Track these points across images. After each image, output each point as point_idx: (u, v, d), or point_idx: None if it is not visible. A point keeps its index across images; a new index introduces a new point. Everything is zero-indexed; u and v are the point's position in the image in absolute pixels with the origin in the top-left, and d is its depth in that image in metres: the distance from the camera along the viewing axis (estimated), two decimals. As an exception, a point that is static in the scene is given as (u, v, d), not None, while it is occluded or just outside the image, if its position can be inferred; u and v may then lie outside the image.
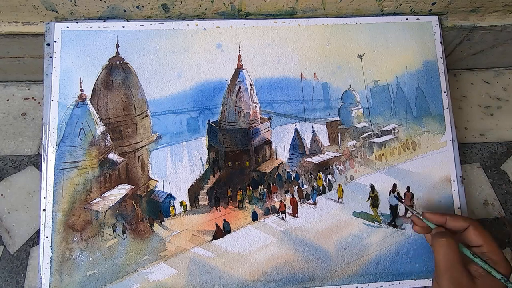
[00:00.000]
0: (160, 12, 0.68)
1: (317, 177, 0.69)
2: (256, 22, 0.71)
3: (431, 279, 0.66)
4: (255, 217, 0.67)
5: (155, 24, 0.69)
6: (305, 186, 0.69)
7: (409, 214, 0.68)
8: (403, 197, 0.69)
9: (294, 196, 0.68)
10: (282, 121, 0.70)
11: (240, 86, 0.69)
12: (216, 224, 0.66)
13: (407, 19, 0.73)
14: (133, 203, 0.65)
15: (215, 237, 0.66)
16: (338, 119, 0.71)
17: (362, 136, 0.71)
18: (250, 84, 0.70)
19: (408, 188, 0.69)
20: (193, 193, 0.67)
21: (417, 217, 0.60)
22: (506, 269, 0.53)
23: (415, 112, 0.72)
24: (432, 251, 0.56)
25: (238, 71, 0.70)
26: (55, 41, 0.67)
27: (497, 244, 0.55)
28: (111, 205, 0.64)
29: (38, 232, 0.74)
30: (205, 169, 0.68)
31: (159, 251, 0.64)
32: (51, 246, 0.62)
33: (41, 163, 0.67)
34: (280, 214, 0.68)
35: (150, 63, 0.68)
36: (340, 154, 0.70)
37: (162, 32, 0.69)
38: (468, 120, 0.88)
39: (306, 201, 0.68)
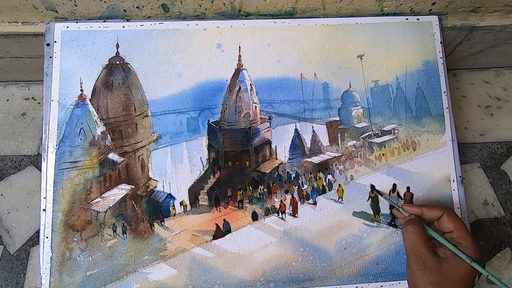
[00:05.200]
0: (160, 12, 0.68)
1: (317, 177, 0.69)
2: (256, 22, 0.71)
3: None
4: (255, 217, 0.67)
5: (155, 24, 0.69)
6: (305, 186, 0.69)
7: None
8: (403, 197, 0.69)
9: (294, 196, 0.68)
10: (282, 121, 0.70)
11: (240, 86, 0.69)
12: (216, 224, 0.66)
13: (407, 19, 0.73)
14: (133, 203, 0.65)
15: (215, 237, 0.66)
16: (338, 119, 0.71)
17: (362, 136, 0.71)
18: (250, 84, 0.70)
19: (408, 188, 0.69)
20: (193, 193, 0.67)
21: (396, 209, 0.64)
22: (475, 252, 0.56)
23: (415, 112, 0.72)
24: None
25: (238, 71, 0.70)
26: (55, 41, 0.67)
27: (467, 230, 0.58)
28: (111, 205, 0.64)
29: (38, 232, 0.74)
30: (205, 169, 0.68)
31: (159, 251, 0.64)
32: (51, 246, 0.62)
33: (41, 163, 0.67)
34: (280, 214, 0.68)
35: (150, 63, 0.68)
36: (340, 154, 0.70)
37: (162, 32, 0.69)
38: (468, 120, 0.88)
39: (306, 201, 0.68)
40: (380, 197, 0.68)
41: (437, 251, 0.57)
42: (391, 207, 0.68)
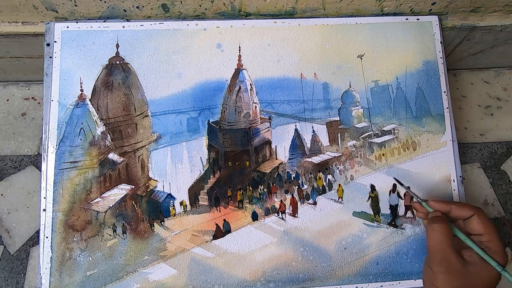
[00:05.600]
0: (160, 12, 0.68)
1: (317, 177, 0.69)
2: (256, 22, 0.71)
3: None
4: (255, 217, 0.67)
5: (155, 24, 0.69)
6: (305, 186, 0.69)
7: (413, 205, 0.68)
8: (403, 197, 0.69)
9: (294, 196, 0.68)
10: (282, 121, 0.70)
11: (240, 86, 0.69)
12: (216, 224, 0.66)
13: (407, 19, 0.73)
14: (133, 203, 0.65)
15: (215, 237, 0.66)
16: (338, 119, 0.71)
17: (362, 136, 0.71)
18: (250, 84, 0.70)
19: (408, 188, 0.69)
20: (193, 193, 0.67)
21: (419, 203, 0.60)
22: (503, 259, 0.53)
23: (415, 112, 0.72)
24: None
25: (238, 71, 0.70)
26: (55, 41, 0.67)
27: (498, 235, 0.55)
28: (111, 205, 0.64)
29: (38, 232, 0.74)
30: (205, 169, 0.68)
31: (159, 251, 0.64)
32: (51, 246, 0.62)
33: (41, 163, 0.67)
34: (280, 214, 0.68)
35: (150, 63, 0.68)
36: (340, 154, 0.70)
37: (162, 32, 0.69)
38: (468, 120, 0.88)
39: (306, 201, 0.68)
40: (381, 196, 0.68)
41: (462, 253, 0.55)
42: (391, 206, 0.68)
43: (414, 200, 0.63)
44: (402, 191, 0.69)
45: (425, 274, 0.57)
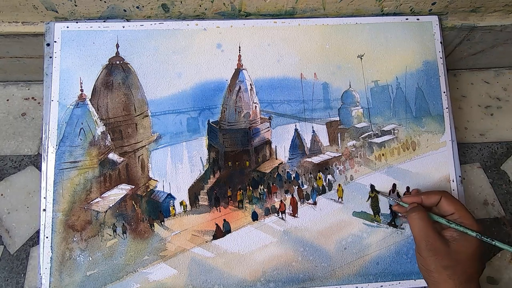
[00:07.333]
0: (160, 12, 0.68)
1: (317, 177, 0.69)
2: (256, 22, 0.71)
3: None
4: (255, 217, 0.67)
5: (155, 24, 0.69)
6: (305, 186, 0.69)
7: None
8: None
9: (294, 196, 0.68)
10: (282, 121, 0.70)
11: (240, 86, 0.69)
12: (216, 224, 0.66)
13: (407, 19, 0.73)
14: (133, 203, 0.65)
15: (215, 237, 0.66)
16: (338, 119, 0.71)
17: (362, 136, 0.71)
18: (250, 84, 0.70)
19: (408, 188, 0.69)
20: (193, 193, 0.67)
21: (396, 202, 0.65)
22: (479, 228, 0.58)
23: (414, 112, 0.72)
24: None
25: (238, 71, 0.70)
26: (55, 41, 0.67)
27: (467, 209, 0.60)
28: (111, 205, 0.64)
29: (38, 232, 0.74)
30: (205, 169, 0.68)
31: (159, 251, 0.64)
32: (51, 246, 0.62)
33: (41, 163, 0.67)
34: (280, 214, 0.68)
35: (150, 63, 0.68)
36: (340, 154, 0.70)
37: (162, 32, 0.69)
38: (468, 120, 0.88)
39: (306, 201, 0.68)
40: (380, 197, 0.68)
41: (442, 234, 0.58)
42: (391, 206, 0.68)
43: (391, 202, 0.67)
44: (401, 191, 0.69)
45: (418, 261, 0.60)
